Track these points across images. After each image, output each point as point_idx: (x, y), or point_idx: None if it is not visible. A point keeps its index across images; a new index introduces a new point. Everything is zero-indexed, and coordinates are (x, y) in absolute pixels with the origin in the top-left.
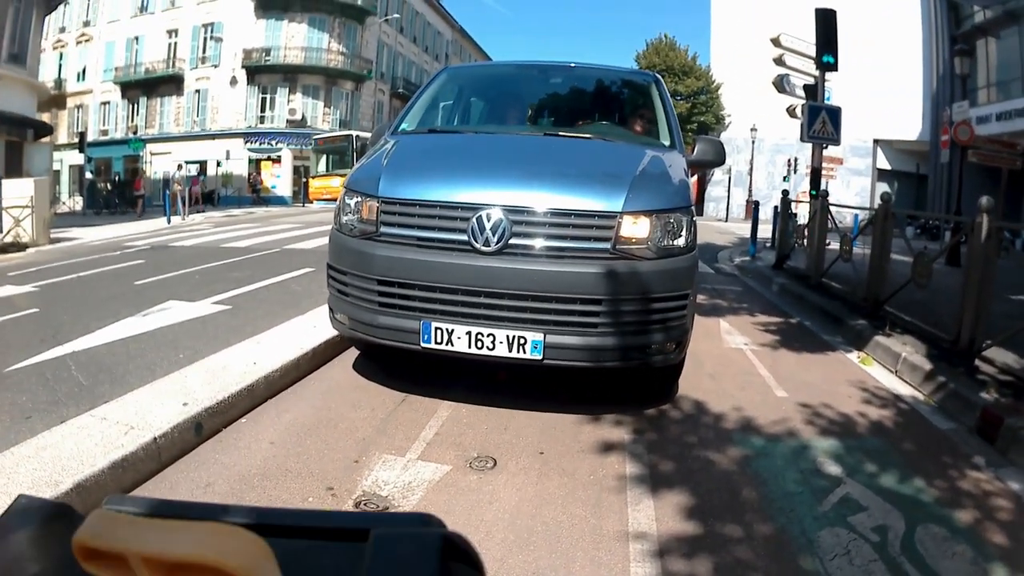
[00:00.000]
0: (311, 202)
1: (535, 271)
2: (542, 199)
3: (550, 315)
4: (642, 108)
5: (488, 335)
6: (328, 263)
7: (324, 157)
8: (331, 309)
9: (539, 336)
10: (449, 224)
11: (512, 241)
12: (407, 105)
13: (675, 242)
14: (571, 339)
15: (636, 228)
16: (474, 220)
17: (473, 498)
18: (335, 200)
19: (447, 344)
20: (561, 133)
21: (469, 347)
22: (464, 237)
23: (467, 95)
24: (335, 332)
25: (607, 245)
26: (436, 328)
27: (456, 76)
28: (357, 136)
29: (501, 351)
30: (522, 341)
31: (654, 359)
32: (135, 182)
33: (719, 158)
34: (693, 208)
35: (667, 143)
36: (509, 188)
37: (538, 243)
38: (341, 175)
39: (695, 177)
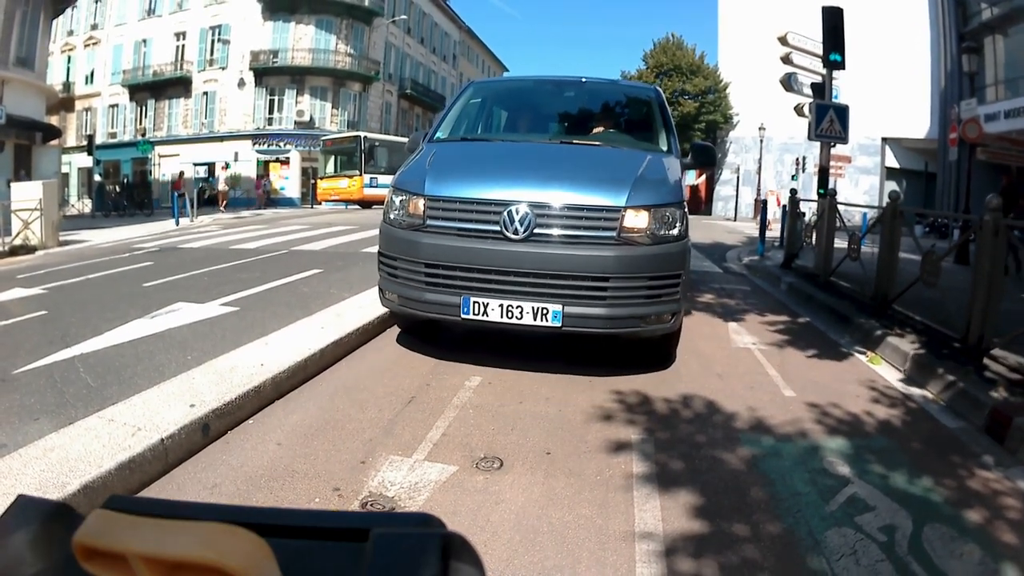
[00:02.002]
0: (319, 203)
1: (555, 254)
2: (560, 196)
3: (567, 290)
4: (644, 118)
5: (517, 307)
6: (379, 251)
7: (332, 158)
8: (381, 290)
9: (558, 307)
10: (485, 217)
11: (536, 230)
12: (440, 116)
13: (670, 232)
14: (585, 309)
15: (637, 220)
16: (505, 213)
17: (479, 499)
18: (343, 201)
19: (483, 315)
20: (575, 141)
21: (501, 317)
22: (497, 227)
23: (491, 106)
24: (342, 334)
25: (613, 233)
26: (474, 302)
27: (481, 89)
28: (365, 137)
29: (527, 320)
30: (544, 311)
31: (654, 327)
32: (176, 182)
33: (710, 161)
34: (685, 203)
35: (665, 148)
36: (533, 187)
37: (557, 232)
38: (348, 176)
39: (703, 178)
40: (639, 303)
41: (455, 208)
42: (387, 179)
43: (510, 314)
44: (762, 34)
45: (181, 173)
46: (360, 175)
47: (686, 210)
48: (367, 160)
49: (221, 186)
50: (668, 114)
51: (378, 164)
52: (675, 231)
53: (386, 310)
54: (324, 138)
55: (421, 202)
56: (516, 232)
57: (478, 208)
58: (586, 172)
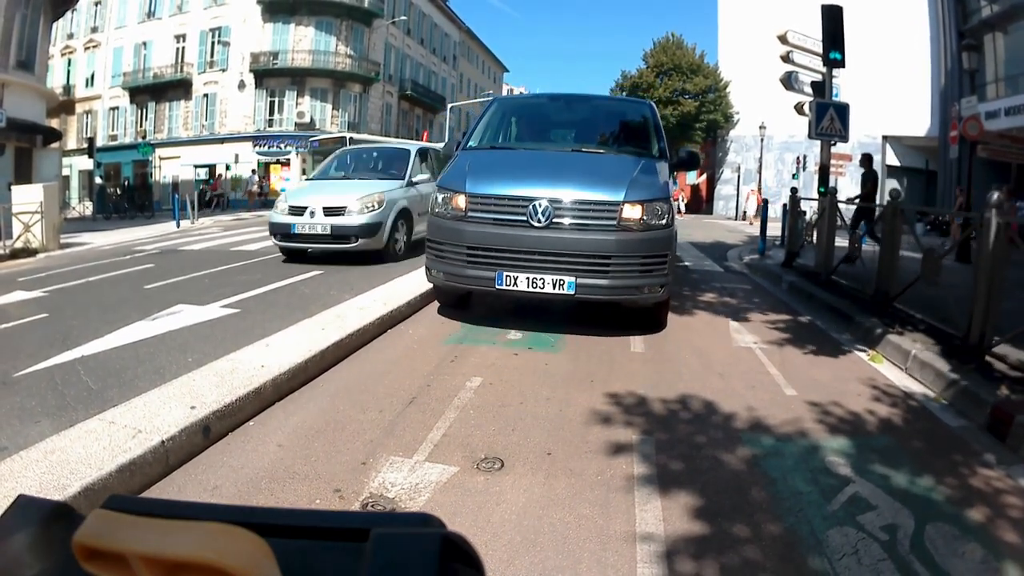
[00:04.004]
0: None
1: (569, 238)
2: (573, 193)
3: (579, 265)
4: (639, 128)
5: (540, 279)
6: (427, 237)
7: (321, 159)
8: (428, 269)
9: (572, 279)
10: (514, 209)
11: (554, 220)
12: (470, 128)
13: (659, 221)
14: (593, 280)
15: (633, 211)
16: (530, 206)
17: (480, 499)
18: None
19: (513, 286)
20: (583, 149)
21: (527, 287)
22: (524, 217)
23: (512, 119)
24: (343, 335)
25: (614, 222)
26: (506, 275)
27: (504, 104)
28: (351, 139)
29: (548, 289)
30: (561, 282)
31: (646, 295)
32: (214, 183)
33: (695, 164)
34: (671, 199)
35: (656, 154)
36: (551, 186)
37: (570, 221)
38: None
39: (703, 177)
40: (635, 276)
41: (491, 202)
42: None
43: (534, 285)
44: (762, 33)
45: (219, 175)
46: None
47: (672, 204)
48: None
49: (254, 187)
50: (660, 125)
51: None
52: (663, 221)
53: (384, 312)
54: (314, 138)
55: (462, 198)
56: (539, 221)
57: (509, 202)
58: (592, 174)
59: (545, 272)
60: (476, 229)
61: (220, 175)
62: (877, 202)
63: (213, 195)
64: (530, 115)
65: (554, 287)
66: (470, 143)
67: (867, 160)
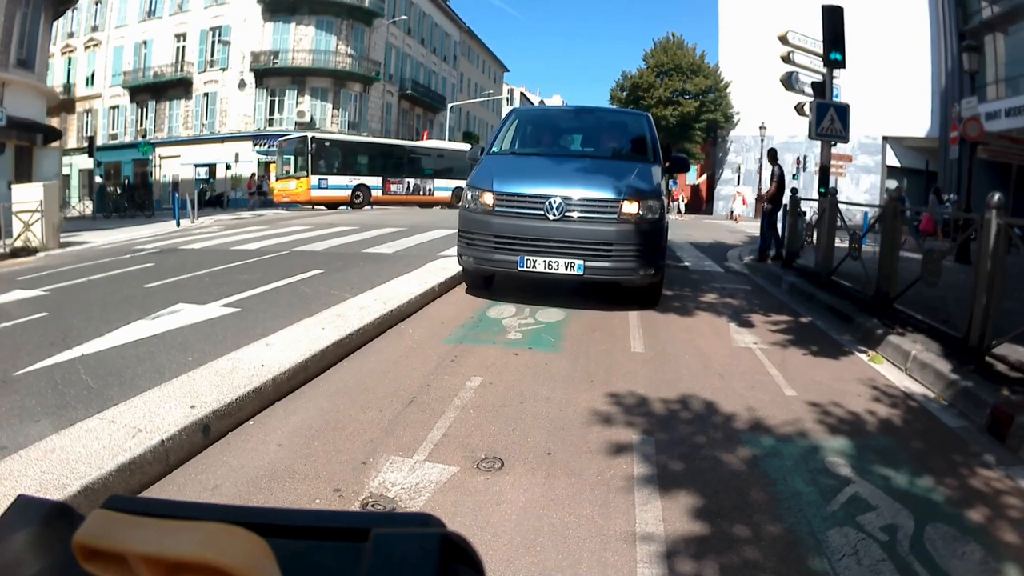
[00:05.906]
0: (321, 204)
1: (579, 228)
2: (581, 192)
3: (586, 251)
4: (637, 136)
5: (554, 262)
6: (460, 228)
7: (286, 159)
8: (460, 255)
9: (581, 262)
10: (533, 205)
11: (566, 213)
12: (493, 135)
13: (653, 216)
14: (598, 263)
15: (631, 207)
16: (546, 202)
17: (480, 499)
18: (298, 203)
19: (532, 268)
20: (590, 155)
21: (544, 269)
22: (541, 211)
23: (529, 128)
24: (343, 334)
25: (615, 216)
26: (527, 259)
27: (521, 115)
28: (313, 138)
29: (561, 271)
30: (572, 265)
31: (642, 276)
32: (248, 182)
33: (684, 168)
34: (663, 197)
35: (651, 159)
36: (563, 186)
37: (579, 214)
38: (296, 178)
39: (704, 177)
40: (632, 260)
41: (514, 199)
42: (339, 180)
43: (550, 267)
44: (762, 33)
45: (253, 174)
46: (307, 176)
47: (663, 202)
48: (315, 161)
49: None
50: (655, 134)
51: (330, 165)
52: (656, 216)
53: (385, 311)
54: (281, 139)
55: (490, 196)
56: (554, 215)
57: (529, 199)
58: (597, 176)
59: (559, 256)
60: (502, 221)
61: (254, 173)
62: (784, 202)
63: (250, 193)
64: (544, 124)
65: (566, 269)
66: (493, 149)
67: (772, 155)
